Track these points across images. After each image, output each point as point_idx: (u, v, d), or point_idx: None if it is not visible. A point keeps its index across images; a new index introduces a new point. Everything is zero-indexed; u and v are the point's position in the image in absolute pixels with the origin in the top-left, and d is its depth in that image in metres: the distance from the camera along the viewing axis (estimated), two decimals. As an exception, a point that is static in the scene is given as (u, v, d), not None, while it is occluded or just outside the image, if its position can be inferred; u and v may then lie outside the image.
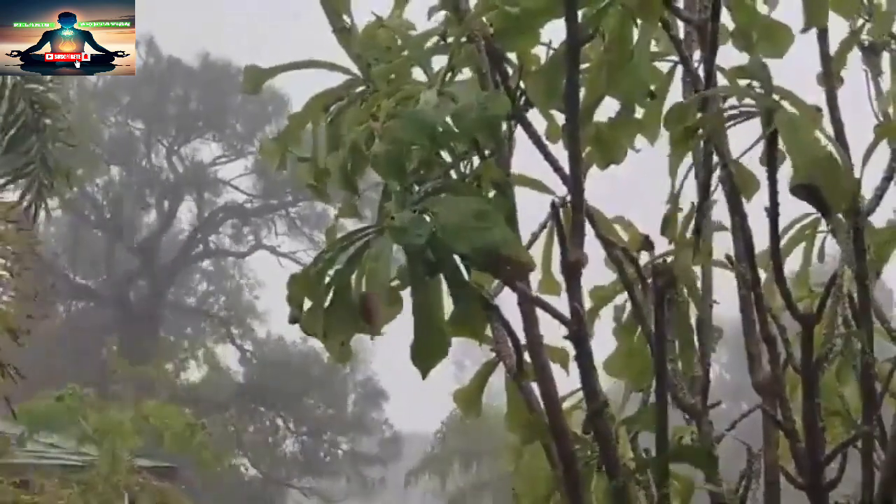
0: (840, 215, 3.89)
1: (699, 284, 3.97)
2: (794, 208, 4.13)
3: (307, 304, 3.26)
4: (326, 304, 3.23)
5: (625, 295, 3.90)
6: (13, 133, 13.96)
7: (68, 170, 15.05)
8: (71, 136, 14.80)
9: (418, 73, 3.61)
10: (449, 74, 3.56)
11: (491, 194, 3.39)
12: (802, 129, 3.42)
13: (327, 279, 3.23)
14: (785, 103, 3.52)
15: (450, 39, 3.57)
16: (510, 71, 3.66)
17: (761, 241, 3.77)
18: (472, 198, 3.21)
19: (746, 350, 3.82)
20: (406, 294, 3.16)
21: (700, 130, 3.66)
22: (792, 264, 4.38)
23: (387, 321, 3.11)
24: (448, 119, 3.14)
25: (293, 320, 3.26)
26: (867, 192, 4.02)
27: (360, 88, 3.65)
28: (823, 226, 4.31)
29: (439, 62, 3.61)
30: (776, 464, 3.77)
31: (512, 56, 3.65)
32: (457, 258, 3.13)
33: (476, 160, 3.40)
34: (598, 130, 3.66)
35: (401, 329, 3.22)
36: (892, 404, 4.05)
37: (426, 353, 3.16)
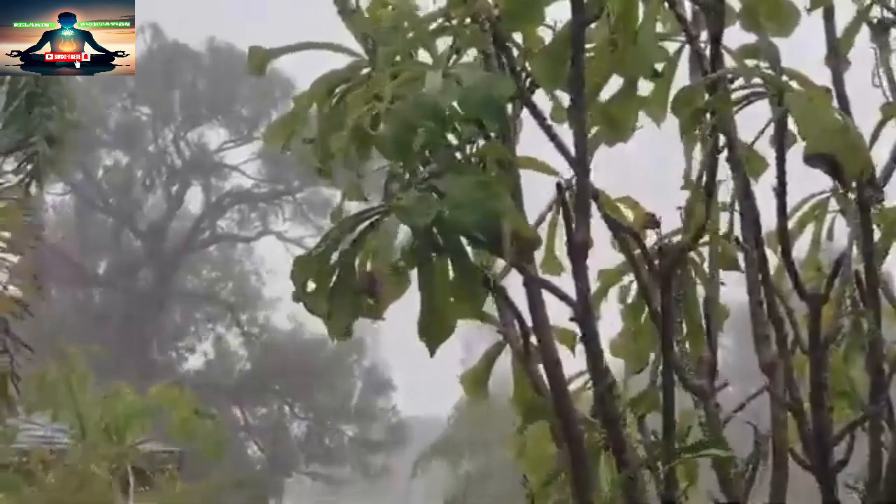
0: (851, 195, 3.89)
1: (706, 265, 3.96)
2: (801, 191, 4.13)
3: (312, 284, 3.26)
4: (331, 284, 3.23)
5: (631, 276, 3.89)
6: (16, 105, 13.93)
7: (71, 149, 14.98)
8: (73, 107, 14.74)
9: (423, 55, 3.59)
10: (454, 56, 3.55)
11: (496, 174, 3.39)
12: (815, 104, 3.42)
13: (332, 260, 3.23)
14: (794, 84, 3.52)
15: (454, 21, 3.56)
16: (515, 52, 3.64)
17: (768, 223, 3.77)
18: (476, 175, 3.21)
19: (753, 332, 3.81)
20: (413, 276, 3.16)
21: (708, 112, 3.65)
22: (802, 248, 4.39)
23: (393, 299, 3.11)
24: (454, 101, 3.12)
25: (297, 299, 3.26)
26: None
27: (366, 70, 3.63)
28: (833, 206, 4.31)
29: (443, 44, 3.60)
30: (784, 445, 3.76)
31: (516, 37, 3.63)
32: (462, 239, 3.13)
33: (480, 142, 3.39)
34: (604, 109, 3.65)
35: (408, 314, 3.22)
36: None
37: (433, 330, 3.16)
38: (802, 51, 4.02)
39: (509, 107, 3.51)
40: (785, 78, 3.56)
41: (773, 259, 3.87)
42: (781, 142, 3.60)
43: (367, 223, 3.19)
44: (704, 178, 3.77)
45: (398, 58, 3.56)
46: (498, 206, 3.08)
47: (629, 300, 4.05)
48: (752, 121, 3.75)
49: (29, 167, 14.12)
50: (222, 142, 50.48)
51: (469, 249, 3.17)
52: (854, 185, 3.82)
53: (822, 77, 3.97)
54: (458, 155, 3.28)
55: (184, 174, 49.94)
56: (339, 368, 48.31)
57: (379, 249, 3.11)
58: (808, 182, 3.70)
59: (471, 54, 3.62)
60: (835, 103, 3.76)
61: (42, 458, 15.29)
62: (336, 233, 3.23)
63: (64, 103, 14.22)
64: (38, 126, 13.88)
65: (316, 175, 3.83)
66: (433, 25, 3.63)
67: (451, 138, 3.24)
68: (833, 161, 3.37)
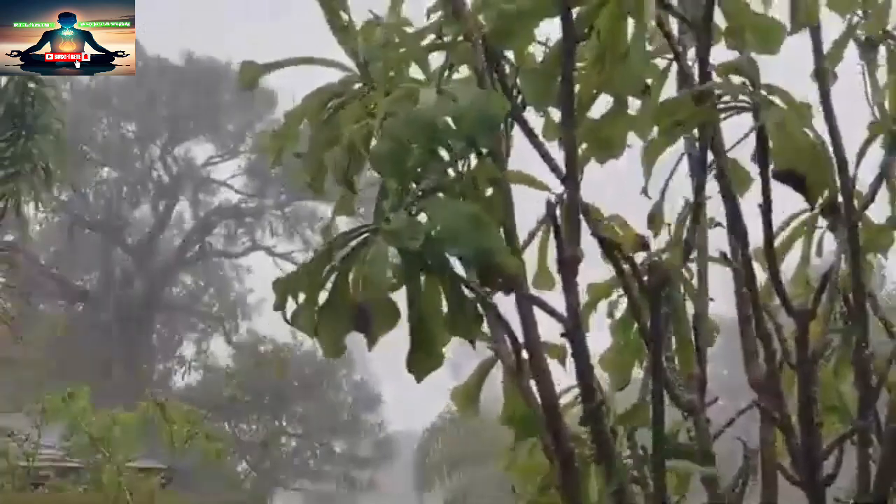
0: (835, 210, 3.91)
1: (695, 281, 3.98)
2: (790, 206, 4.15)
3: (301, 300, 3.25)
4: (321, 302, 3.23)
5: (619, 290, 3.90)
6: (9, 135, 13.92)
7: (54, 170, 14.97)
8: (61, 134, 14.72)
9: (415, 71, 3.61)
10: (447, 73, 3.57)
11: (488, 192, 3.40)
12: (788, 123, 3.44)
13: (323, 275, 3.23)
14: (776, 100, 3.53)
15: (447, 38, 3.58)
16: (507, 69, 3.66)
17: (757, 237, 3.79)
18: (468, 202, 3.21)
19: (743, 347, 3.83)
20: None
21: (694, 125, 3.67)
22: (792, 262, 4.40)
23: (384, 331, 3.11)
24: (448, 118, 3.13)
25: (280, 312, 3.25)
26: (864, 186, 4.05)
27: (358, 85, 3.65)
28: (822, 221, 4.33)
29: (437, 60, 3.62)
30: (773, 460, 3.78)
31: (510, 53, 3.66)
32: (452, 259, 3.13)
33: (473, 158, 3.40)
34: (592, 127, 3.67)
35: (398, 329, 3.22)
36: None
37: (421, 363, 3.17)
38: (800, 63, 4.06)
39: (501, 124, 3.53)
40: (765, 93, 3.58)
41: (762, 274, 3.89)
42: (764, 158, 3.61)
43: (357, 241, 3.19)
44: (692, 193, 3.81)
45: (391, 73, 3.57)
46: (488, 244, 3.08)
47: (618, 315, 4.07)
48: (740, 136, 3.77)
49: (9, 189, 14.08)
50: (208, 157, 50.50)
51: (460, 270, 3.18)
52: (840, 201, 3.86)
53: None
54: (451, 171, 3.30)
55: (171, 190, 49.92)
56: (328, 384, 48.29)
57: (371, 276, 3.10)
58: (798, 198, 3.71)
59: (464, 70, 3.63)
60: (821, 121, 3.79)
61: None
62: (327, 249, 3.24)
63: (56, 131, 14.22)
64: (23, 150, 13.86)
65: (306, 189, 3.84)
66: (426, 41, 3.65)
67: (444, 155, 3.25)
68: (801, 179, 3.40)
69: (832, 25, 4.08)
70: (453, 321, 3.17)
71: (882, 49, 4.22)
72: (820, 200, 3.62)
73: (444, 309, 3.17)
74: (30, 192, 14.33)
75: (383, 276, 3.08)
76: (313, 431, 48.98)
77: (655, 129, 3.65)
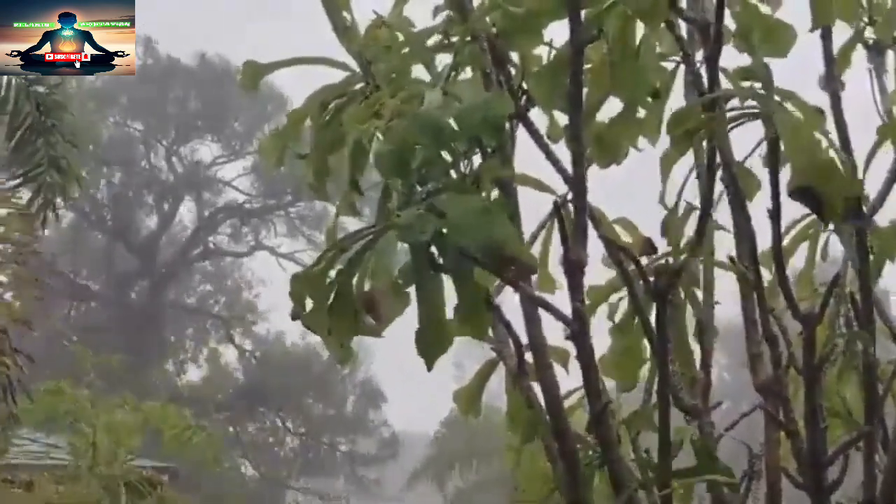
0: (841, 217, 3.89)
1: (700, 285, 3.96)
2: (796, 209, 4.14)
3: (310, 302, 3.25)
4: (329, 303, 3.23)
5: (619, 293, 3.89)
6: (20, 135, 13.98)
7: (78, 172, 15.06)
8: (74, 138, 14.82)
9: (418, 71, 3.60)
10: (452, 73, 3.56)
11: (494, 193, 3.39)
12: (802, 132, 3.41)
13: (330, 278, 3.22)
14: (787, 104, 3.51)
15: (454, 38, 3.57)
16: (513, 71, 3.65)
17: (763, 242, 3.78)
18: (476, 196, 3.20)
19: (747, 351, 3.82)
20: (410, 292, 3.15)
21: (702, 132, 3.65)
22: (797, 265, 4.38)
23: (392, 318, 3.10)
24: (452, 119, 3.13)
25: (295, 317, 3.25)
26: (871, 191, 4.02)
27: (360, 85, 3.64)
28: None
29: (442, 61, 3.61)
30: (777, 464, 3.77)
31: (514, 55, 3.64)
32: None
33: (476, 159, 3.39)
34: (598, 130, 3.66)
35: (401, 329, 3.22)
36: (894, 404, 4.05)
37: (431, 345, 3.16)
38: (812, 70, 4.05)
39: (507, 125, 3.52)
40: (778, 98, 3.56)
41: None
42: (775, 164, 3.59)
43: (364, 241, 3.19)
44: (700, 198, 3.79)
45: (394, 74, 3.56)
46: (500, 234, 3.07)
47: (618, 318, 4.05)
48: (746, 143, 3.76)
49: (39, 199, 14.16)
50: (215, 157, 50.50)
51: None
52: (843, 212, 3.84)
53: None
54: (454, 173, 3.29)
55: (177, 189, 49.90)
56: (332, 383, 48.28)
57: (378, 268, 3.10)
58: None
59: (469, 71, 3.62)
60: (831, 126, 3.76)
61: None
62: (333, 251, 3.23)
63: (65, 129, 14.28)
64: (44, 156, 13.93)
65: (309, 190, 3.83)
66: (431, 42, 3.64)
67: (447, 155, 3.24)
68: (817, 198, 3.37)
69: (835, 31, 4.07)
70: (464, 318, 3.16)
71: (890, 53, 4.21)
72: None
73: (453, 306, 3.17)
74: (55, 190, 14.45)
75: (391, 265, 3.08)
76: (317, 431, 48.93)
77: (667, 136, 3.64)
